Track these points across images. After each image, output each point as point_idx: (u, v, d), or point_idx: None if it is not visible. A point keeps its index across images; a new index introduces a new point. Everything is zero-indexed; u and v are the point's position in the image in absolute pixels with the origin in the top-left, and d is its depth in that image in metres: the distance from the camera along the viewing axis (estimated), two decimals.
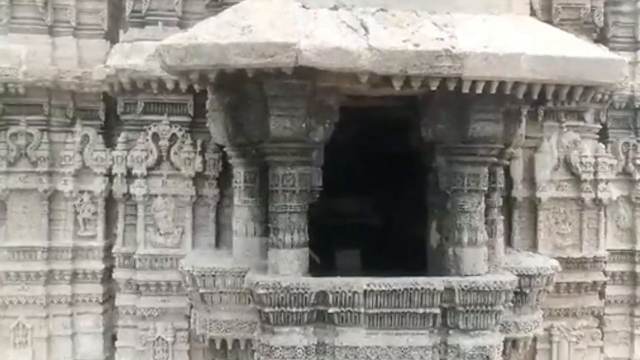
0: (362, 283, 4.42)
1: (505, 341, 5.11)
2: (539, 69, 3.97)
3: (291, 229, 4.57)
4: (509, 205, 6.03)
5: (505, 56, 3.96)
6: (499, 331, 4.71)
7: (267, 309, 4.42)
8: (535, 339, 5.99)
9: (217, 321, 5.09)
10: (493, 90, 4.07)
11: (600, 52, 4.42)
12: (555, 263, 5.29)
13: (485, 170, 4.74)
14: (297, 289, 4.39)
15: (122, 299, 5.90)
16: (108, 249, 6.20)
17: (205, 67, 3.92)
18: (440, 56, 3.92)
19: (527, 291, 5.05)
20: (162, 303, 5.78)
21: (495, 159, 4.80)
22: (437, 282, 4.48)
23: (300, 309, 4.42)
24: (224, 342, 5.17)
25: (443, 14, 4.32)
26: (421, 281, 4.46)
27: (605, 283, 6.27)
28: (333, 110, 4.55)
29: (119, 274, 5.90)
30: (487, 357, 4.52)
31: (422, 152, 5.07)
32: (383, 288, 4.41)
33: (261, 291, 4.37)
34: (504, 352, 5.24)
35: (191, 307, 5.59)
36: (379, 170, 6.21)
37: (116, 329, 6.26)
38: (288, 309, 4.40)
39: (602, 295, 6.26)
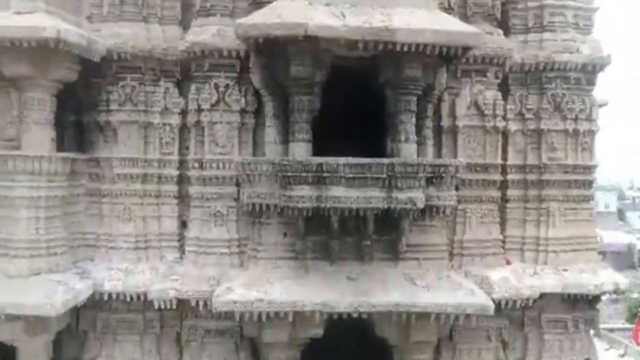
0: (342, 160, 7.82)
1: (431, 208, 8.56)
2: (436, 37, 7.40)
3: (302, 131, 8.02)
4: (439, 131, 9.46)
5: (418, 30, 7.39)
6: (422, 192, 8.07)
7: (289, 174, 7.82)
8: (455, 215, 9.46)
9: (256, 192, 8.52)
10: (413, 49, 7.49)
11: (470, 28, 7.83)
12: (462, 161, 8.72)
13: (415, 98, 8.17)
14: (305, 163, 7.80)
15: (194, 189, 9.28)
16: (181, 161, 9.59)
17: (258, 35, 7.35)
18: (382, 30, 7.34)
19: (444, 175, 8.47)
20: (219, 189, 9.15)
21: (420, 93, 8.22)
22: (385, 161, 7.90)
23: (307, 174, 7.82)
24: (260, 207, 8.58)
25: (388, 8, 7.74)
26: (376, 160, 7.88)
27: (503, 181, 9.64)
28: (326, 63, 7.98)
29: (192, 173, 9.27)
30: (414, 203, 7.90)
31: (379, 90, 8.47)
32: (354, 162, 7.82)
33: (285, 162, 7.79)
34: (431, 216, 8.72)
35: (238, 191, 9.00)
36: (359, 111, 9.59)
37: (185, 215, 9.66)
38: (300, 174, 7.80)
39: (500, 189, 9.64)
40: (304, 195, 7.85)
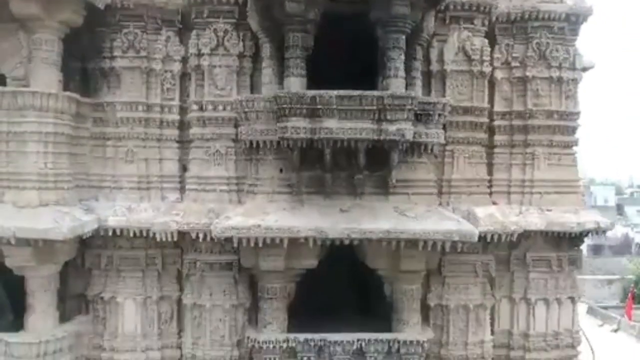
0: (334, 92, 8.25)
1: (419, 144, 9.02)
2: None
3: (297, 67, 8.46)
4: (429, 76, 9.91)
5: None
6: (410, 125, 8.49)
7: (284, 106, 8.25)
8: (444, 156, 9.90)
9: (253, 129, 8.98)
10: None
11: None
12: (449, 100, 9.17)
13: (403, 37, 8.60)
14: (300, 95, 8.24)
15: (194, 130, 9.72)
16: (181, 107, 10.02)
17: None
18: None
19: (431, 113, 8.91)
20: (218, 130, 9.59)
21: (409, 32, 8.66)
22: (375, 93, 8.33)
23: (301, 106, 8.25)
24: (257, 144, 9.03)
25: None
26: (367, 92, 8.30)
27: (490, 127, 10.08)
28: (320, 2, 8.41)
29: (192, 115, 9.71)
30: (403, 134, 8.33)
31: (371, 30, 8.90)
32: (346, 94, 8.25)
33: (280, 95, 8.22)
34: (419, 152, 9.16)
35: (236, 133, 9.43)
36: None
37: (185, 159, 10.09)
38: (295, 106, 8.24)
39: (487, 133, 10.06)
40: (298, 126, 8.28)
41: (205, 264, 9.55)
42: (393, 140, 8.38)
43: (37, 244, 8.39)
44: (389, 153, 8.67)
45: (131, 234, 9.47)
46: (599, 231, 10.04)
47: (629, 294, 27.15)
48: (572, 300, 10.40)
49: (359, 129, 8.33)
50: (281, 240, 8.46)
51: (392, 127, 8.34)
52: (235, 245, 8.55)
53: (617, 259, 41.15)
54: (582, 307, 26.25)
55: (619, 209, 76.74)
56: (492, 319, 10.22)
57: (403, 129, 8.36)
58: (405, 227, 8.56)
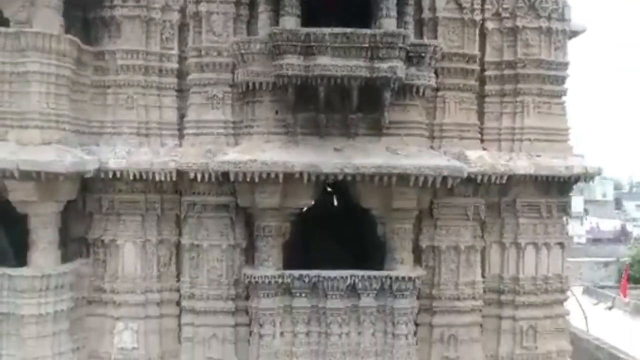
0: (328, 30, 8.52)
1: (411, 86, 9.29)
2: None
3: (292, 6, 8.74)
4: (421, 24, 10.17)
5: None
6: (402, 64, 8.76)
7: (279, 43, 8.52)
8: (435, 102, 10.16)
9: (250, 70, 9.25)
10: None
11: None
12: (441, 43, 9.44)
13: None
14: (294, 32, 8.51)
15: (193, 76, 9.96)
16: (180, 56, 10.28)
17: None
18: None
19: (423, 55, 9.18)
20: (216, 75, 9.84)
21: None
22: (368, 31, 8.60)
23: (295, 44, 8.51)
24: (253, 85, 9.29)
25: None
26: (360, 30, 8.56)
27: (481, 77, 10.34)
28: None
29: (191, 61, 9.96)
30: (395, 72, 8.59)
31: None
32: (339, 32, 8.52)
33: (275, 32, 8.49)
34: (411, 94, 9.42)
35: (233, 78, 9.70)
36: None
37: (184, 108, 10.34)
38: (289, 43, 8.50)
39: (478, 79, 10.33)
40: (292, 63, 8.55)
41: (203, 206, 9.80)
42: (385, 77, 8.64)
43: (40, 178, 8.64)
44: (381, 92, 8.93)
45: (131, 177, 9.70)
46: (587, 177, 10.27)
47: (624, 273, 27.43)
48: (561, 245, 10.65)
49: (352, 66, 8.60)
50: (276, 175, 8.72)
51: (384, 65, 8.61)
52: (232, 179, 8.79)
53: (614, 246, 41.49)
54: (578, 289, 26.61)
55: (617, 203, 77.09)
56: (483, 264, 10.47)
57: (395, 66, 8.63)
58: (397, 162, 8.83)
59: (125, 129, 10.08)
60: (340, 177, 8.82)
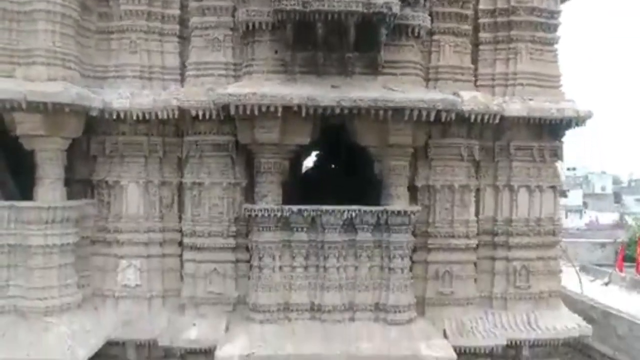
0: None
1: (407, 27, 9.56)
2: None
3: None
4: None
5: None
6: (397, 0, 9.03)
7: None
8: (430, 46, 10.43)
9: (250, 10, 9.50)
10: None
11: None
12: None
13: None
14: None
15: (194, 20, 10.20)
16: (182, 3, 10.53)
17: None
18: None
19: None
20: (217, 19, 10.05)
21: None
22: None
23: None
24: (253, 25, 9.56)
25: None
26: None
27: (475, 17, 10.60)
28: None
29: (192, 4, 10.23)
30: (390, 8, 8.81)
31: None
32: None
33: None
34: (407, 35, 9.69)
35: (233, 21, 9.97)
36: None
37: (185, 55, 10.61)
38: None
39: (472, 25, 10.59)
40: None
41: (205, 145, 10.09)
42: (381, 13, 8.86)
43: (47, 109, 8.91)
44: (378, 29, 9.17)
45: (134, 117, 9.97)
46: (579, 120, 10.53)
47: (619, 248, 27.67)
48: (554, 189, 10.92)
49: (349, 1, 8.84)
50: (275, 108, 8.98)
51: (380, 1, 8.86)
52: (232, 112, 9.05)
53: (612, 231, 41.63)
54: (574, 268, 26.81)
55: (617, 197, 77.29)
56: (478, 207, 10.77)
57: (390, 2, 8.87)
58: (393, 96, 9.10)
59: (129, 72, 10.35)
60: (337, 111, 9.07)
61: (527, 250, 10.73)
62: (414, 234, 10.11)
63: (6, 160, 10.53)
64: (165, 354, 10.43)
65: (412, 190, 10.31)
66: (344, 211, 9.56)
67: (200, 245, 10.09)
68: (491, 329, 10.28)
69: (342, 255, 9.77)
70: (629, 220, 59.19)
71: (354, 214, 9.58)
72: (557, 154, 10.94)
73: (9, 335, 9.06)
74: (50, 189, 9.54)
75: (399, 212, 9.60)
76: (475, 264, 10.66)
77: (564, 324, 10.62)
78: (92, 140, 10.44)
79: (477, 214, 10.72)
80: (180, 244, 10.52)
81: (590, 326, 11.01)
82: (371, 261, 9.83)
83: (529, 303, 10.72)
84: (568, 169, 76.85)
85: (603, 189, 79.36)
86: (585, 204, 67.75)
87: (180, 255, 10.52)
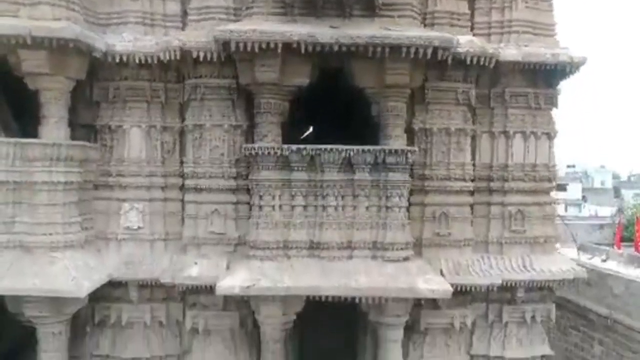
0: None
1: None
2: None
3: None
4: None
5: None
6: None
7: None
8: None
9: None
10: None
11: None
12: None
13: None
14: None
15: None
16: None
17: None
18: None
19: None
20: None
21: None
22: None
23: None
24: None
25: None
26: None
27: None
28: None
29: None
30: None
31: None
32: None
33: None
34: None
35: None
36: None
37: (186, 3, 10.80)
38: None
39: None
40: None
41: (206, 88, 10.27)
42: None
43: (52, 46, 9.10)
44: None
45: (137, 60, 10.15)
46: (573, 67, 10.71)
47: (617, 226, 27.88)
48: (549, 136, 11.11)
49: None
50: (276, 45, 9.16)
51: None
52: (233, 49, 9.23)
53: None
54: (573, 250, 27.01)
55: (616, 192, 77.47)
56: (474, 153, 10.96)
57: None
58: (390, 33, 9.29)
59: (131, 18, 10.53)
60: (335, 48, 9.25)
61: (522, 196, 10.92)
62: (411, 177, 10.28)
63: (9, 106, 10.72)
64: (167, 294, 10.66)
65: (410, 134, 10.49)
66: (342, 150, 9.73)
67: (202, 186, 10.29)
68: (487, 269, 10.47)
69: (341, 194, 9.95)
70: (629, 202, 59.49)
71: (352, 153, 9.76)
72: (552, 102, 11.11)
73: (14, 268, 9.24)
74: (54, 128, 9.74)
75: (396, 151, 9.77)
76: (471, 207, 10.85)
77: (559, 266, 10.80)
78: (95, 86, 10.63)
79: (473, 161, 10.90)
80: (182, 188, 10.70)
81: (584, 269, 11.20)
82: (369, 200, 10.00)
83: (525, 247, 10.91)
84: (568, 167, 77.28)
85: (602, 183, 79.55)
86: (584, 198, 67.95)
87: (182, 200, 10.71)
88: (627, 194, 77.34)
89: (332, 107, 12.86)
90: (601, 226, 33.09)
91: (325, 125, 10.82)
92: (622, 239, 28.25)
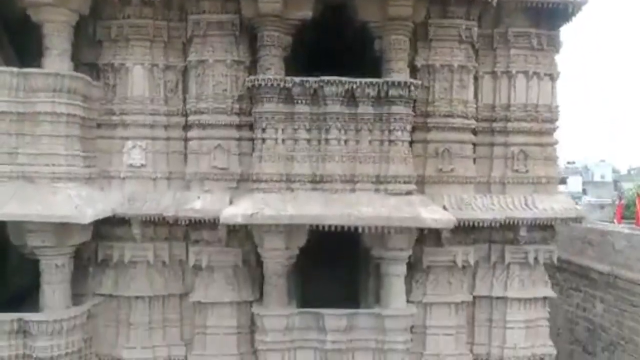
0: None
1: None
2: None
3: None
4: None
5: None
6: None
7: None
8: None
9: None
10: None
11: None
12: None
13: None
14: None
15: None
16: None
17: None
18: None
19: None
20: None
21: None
22: None
23: None
24: None
25: None
26: None
27: None
28: None
29: None
30: None
31: None
32: None
33: None
34: None
35: None
36: None
37: None
38: None
39: None
40: None
41: (209, 23, 10.28)
42: None
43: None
44: None
45: None
46: (575, 7, 10.72)
47: (618, 205, 27.90)
48: (551, 77, 11.10)
49: None
50: None
51: None
52: None
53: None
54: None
55: (616, 185, 77.52)
56: (476, 94, 10.97)
57: None
58: None
59: None
60: None
61: (524, 136, 10.92)
62: (414, 112, 10.27)
63: (11, 44, 10.73)
64: (170, 233, 10.67)
65: (412, 72, 10.49)
66: (345, 82, 9.71)
67: (205, 122, 10.30)
68: (489, 205, 10.48)
69: (344, 128, 9.93)
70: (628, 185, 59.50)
71: (355, 86, 9.74)
72: (554, 44, 11.12)
73: (17, 196, 9.23)
74: (57, 59, 9.74)
75: (399, 83, 9.75)
76: (474, 146, 10.85)
77: (561, 205, 10.81)
78: (98, 24, 10.63)
79: (476, 101, 10.91)
80: (185, 128, 10.71)
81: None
82: (372, 134, 9.98)
83: (527, 187, 10.90)
84: (568, 163, 77.35)
85: (602, 176, 79.61)
86: (584, 191, 67.96)
87: (185, 139, 10.71)
88: (627, 187, 77.54)
89: (335, 54, 12.84)
90: (602, 206, 33.17)
91: (326, 72, 10.73)
92: (623, 217, 28.26)
